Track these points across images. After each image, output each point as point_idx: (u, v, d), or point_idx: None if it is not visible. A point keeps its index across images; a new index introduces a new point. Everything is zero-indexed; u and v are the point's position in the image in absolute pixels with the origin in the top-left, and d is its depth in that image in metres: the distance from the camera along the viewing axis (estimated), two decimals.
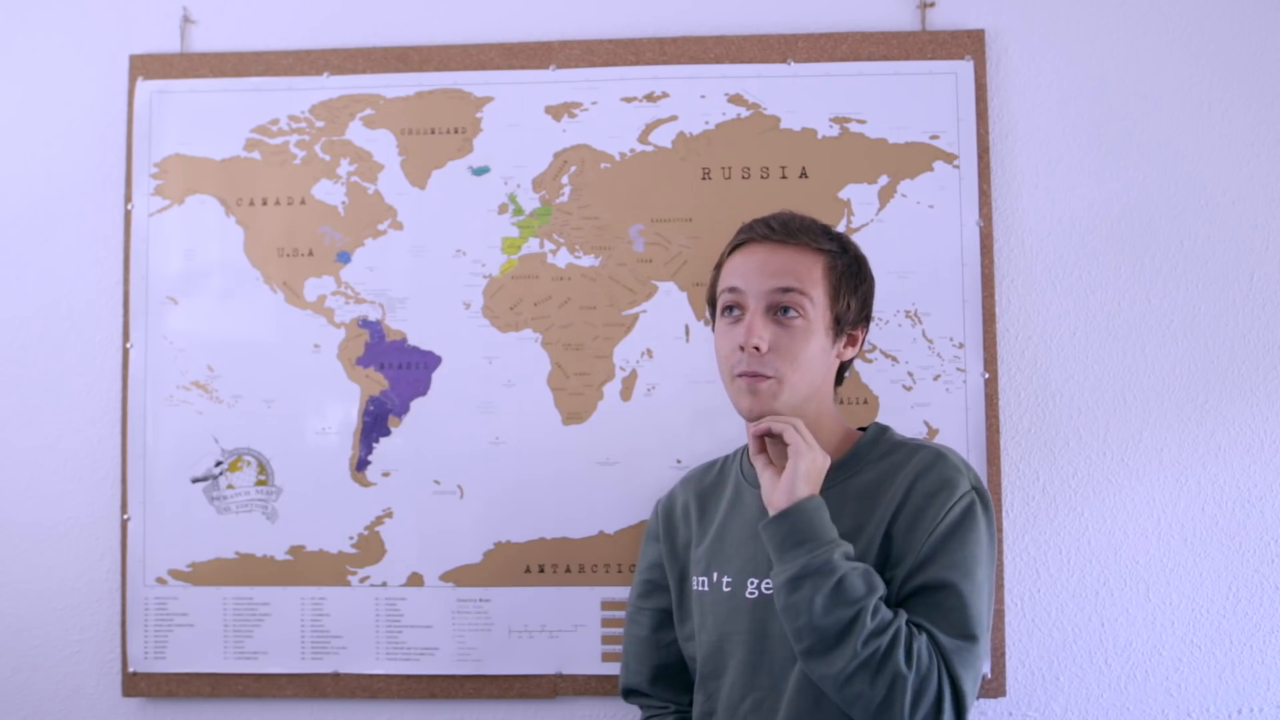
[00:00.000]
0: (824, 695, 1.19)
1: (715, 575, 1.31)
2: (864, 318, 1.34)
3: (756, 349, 1.23)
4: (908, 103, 1.74)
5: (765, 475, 1.23)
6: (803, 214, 1.33)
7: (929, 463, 1.24)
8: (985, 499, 1.25)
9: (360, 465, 1.75)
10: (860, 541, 1.22)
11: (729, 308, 1.29)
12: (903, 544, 1.21)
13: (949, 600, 1.17)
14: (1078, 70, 1.75)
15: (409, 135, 1.78)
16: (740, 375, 1.25)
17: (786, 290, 1.25)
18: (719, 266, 1.35)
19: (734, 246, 1.33)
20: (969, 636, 1.17)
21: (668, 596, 1.43)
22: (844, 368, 1.37)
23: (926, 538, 1.19)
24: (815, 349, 1.26)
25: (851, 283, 1.30)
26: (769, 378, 1.24)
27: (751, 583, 1.27)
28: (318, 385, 1.76)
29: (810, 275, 1.26)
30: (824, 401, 1.31)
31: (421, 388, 1.76)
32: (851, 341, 1.33)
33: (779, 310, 1.25)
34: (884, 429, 1.34)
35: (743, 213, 1.72)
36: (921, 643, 1.14)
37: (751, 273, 1.27)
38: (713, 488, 1.43)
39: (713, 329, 1.37)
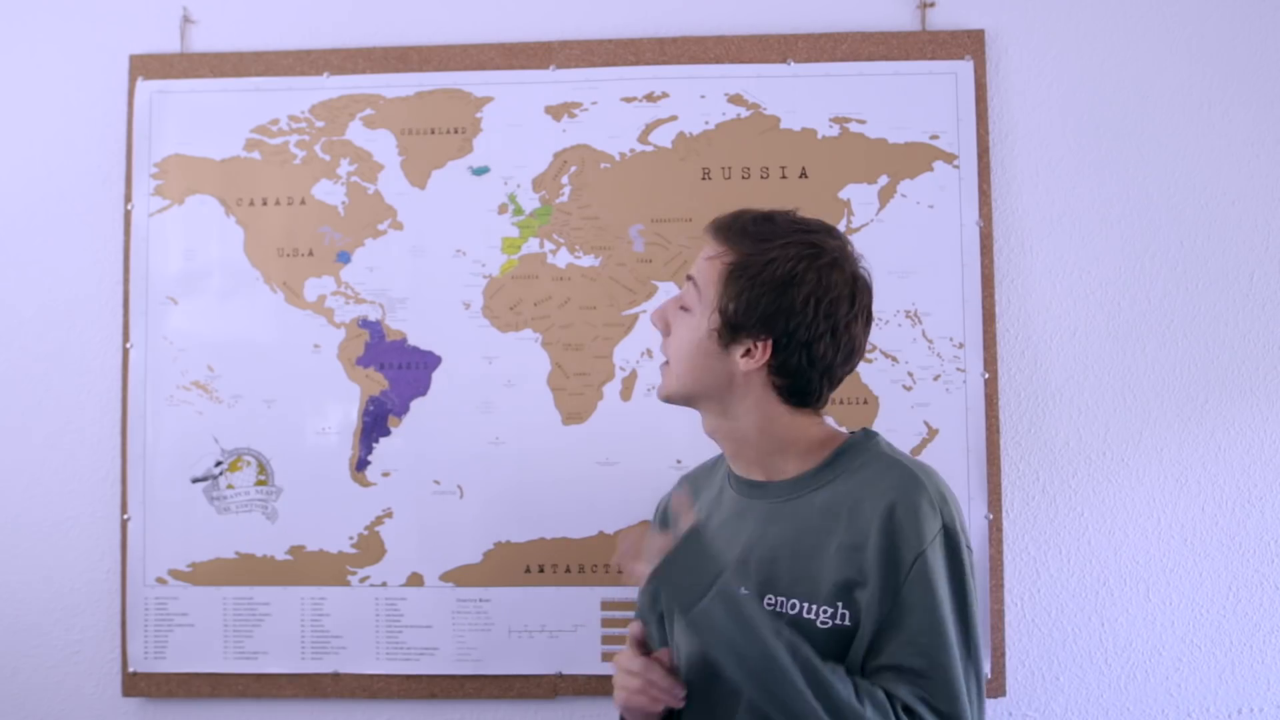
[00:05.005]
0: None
1: None
2: (759, 326, 1.19)
3: (654, 325, 1.27)
4: (907, 103, 1.73)
5: None
6: (755, 210, 1.25)
7: (897, 492, 1.16)
8: (952, 541, 1.15)
9: (360, 465, 1.75)
10: (816, 562, 1.17)
11: None
12: (870, 601, 1.14)
13: (928, 681, 1.12)
14: (1078, 70, 1.75)
15: (409, 135, 1.78)
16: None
17: (688, 278, 1.25)
18: None
19: None
20: (953, 716, 1.12)
21: None
22: (800, 387, 1.22)
23: (892, 601, 1.13)
24: (691, 346, 1.22)
25: (742, 283, 1.19)
26: (667, 362, 1.26)
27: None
28: (318, 385, 1.76)
29: (708, 267, 1.23)
30: (739, 404, 1.23)
31: (421, 388, 1.76)
32: (747, 353, 1.20)
33: (679, 298, 1.26)
34: (869, 437, 1.26)
35: None
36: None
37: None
38: (704, 485, 1.41)
39: None
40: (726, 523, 1.29)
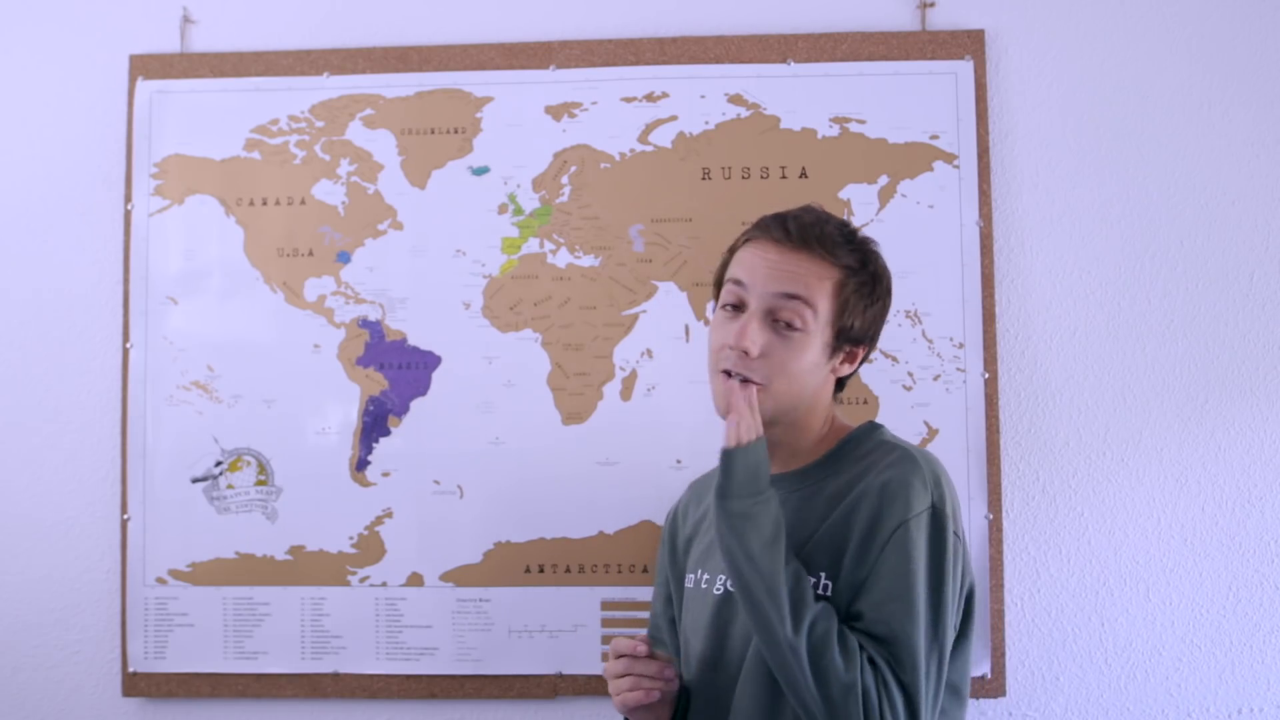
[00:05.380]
0: (776, 698, 1.17)
1: (699, 572, 1.31)
2: (870, 337, 1.28)
3: (746, 352, 1.20)
4: (907, 103, 1.73)
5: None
6: (827, 215, 1.27)
7: (892, 467, 1.19)
8: (939, 520, 1.16)
9: (360, 465, 1.75)
10: (812, 542, 1.19)
11: (731, 303, 1.25)
12: (848, 565, 1.16)
13: (891, 648, 1.13)
14: (1078, 70, 1.75)
15: (409, 135, 1.78)
16: (724, 373, 1.22)
17: (791, 296, 1.20)
18: (731, 251, 1.30)
19: (749, 238, 1.28)
20: (910, 687, 1.13)
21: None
22: (843, 378, 1.31)
23: (868, 567, 1.15)
24: (808, 363, 1.22)
25: (861, 303, 1.24)
26: (757, 385, 1.20)
27: (720, 579, 1.26)
28: (318, 385, 1.76)
29: (819, 287, 1.21)
30: (814, 409, 1.27)
31: (421, 388, 1.76)
32: (850, 358, 1.27)
33: (778, 316, 1.21)
34: (874, 428, 1.29)
35: (743, 213, 1.73)
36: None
37: (759, 271, 1.23)
38: (709, 488, 1.39)
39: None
40: None
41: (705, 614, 1.27)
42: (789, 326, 1.21)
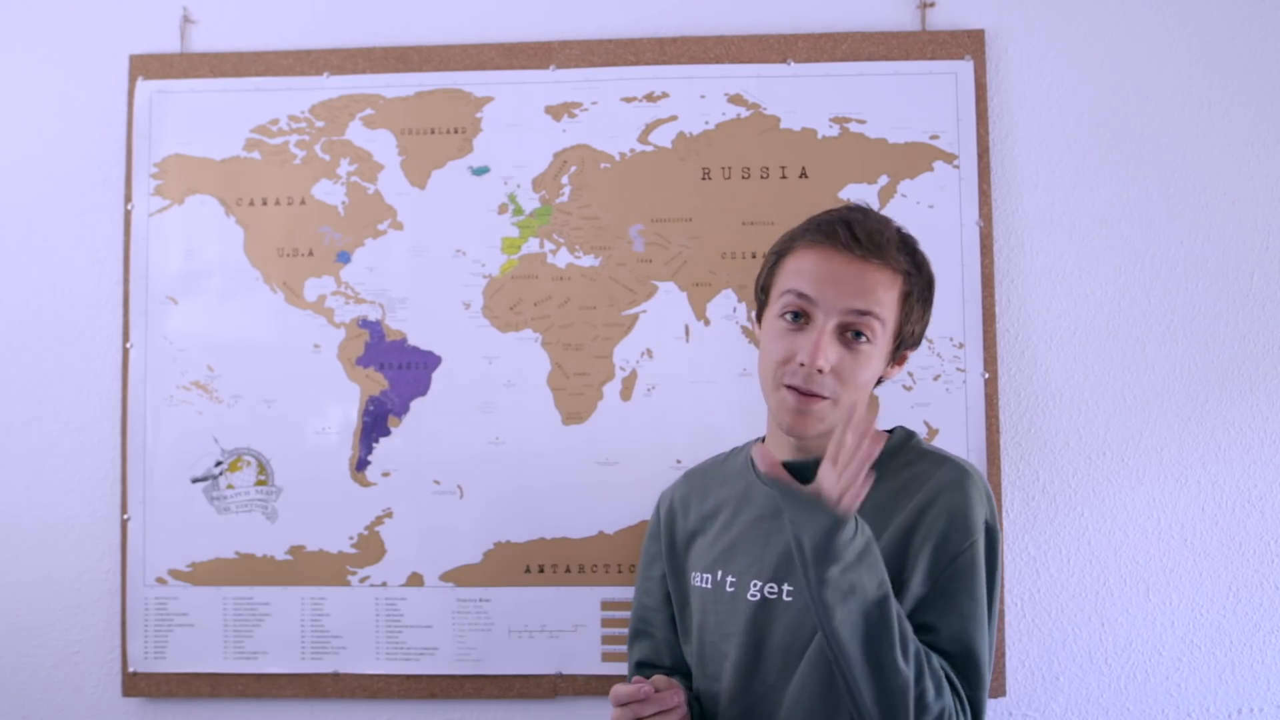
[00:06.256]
0: (825, 705, 1.17)
1: (719, 574, 1.29)
2: (920, 339, 1.28)
3: (820, 370, 1.16)
4: (907, 103, 1.73)
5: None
6: (881, 217, 1.24)
7: (951, 483, 1.20)
8: (994, 537, 1.20)
9: (360, 465, 1.75)
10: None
11: (793, 313, 1.20)
12: (914, 583, 1.17)
13: (958, 663, 1.17)
14: (1078, 70, 1.75)
15: (409, 135, 1.78)
16: (788, 388, 1.19)
17: (864, 313, 1.18)
18: (780, 255, 1.26)
19: (808, 242, 1.22)
20: (976, 703, 1.17)
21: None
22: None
23: (932, 585, 1.16)
24: (873, 374, 1.21)
25: (921, 309, 1.24)
26: (824, 399, 1.18)
27: (754, 585, 1.24)
28: (318, 385, 1.76)
29: (888, 298, 1.19)
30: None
31: (421, 388, 1.76)
32: (900, 361, 1.27)
33: (849, 330, 1.18)
34: (909, 435, 1.29)
35: (742, 213, 1.73)
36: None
37: (827, 284, 1.18)
38: (718, 482, 1.38)
39: (755, 318, 1.31)
40: (760, 520, 1.28)
41: (739, 620, 1.25)
42: (856, 339, 1.19)
